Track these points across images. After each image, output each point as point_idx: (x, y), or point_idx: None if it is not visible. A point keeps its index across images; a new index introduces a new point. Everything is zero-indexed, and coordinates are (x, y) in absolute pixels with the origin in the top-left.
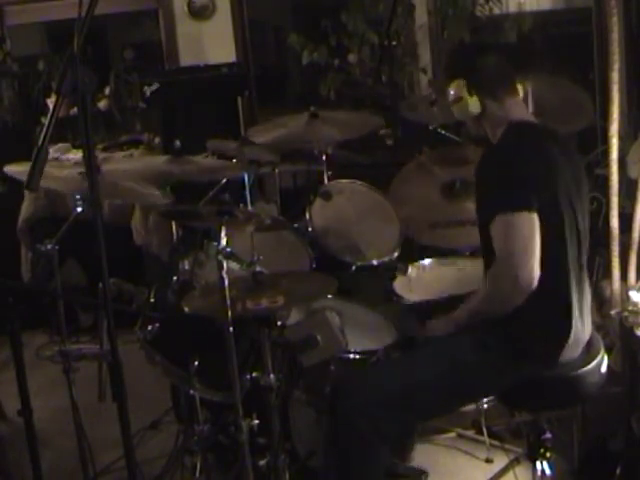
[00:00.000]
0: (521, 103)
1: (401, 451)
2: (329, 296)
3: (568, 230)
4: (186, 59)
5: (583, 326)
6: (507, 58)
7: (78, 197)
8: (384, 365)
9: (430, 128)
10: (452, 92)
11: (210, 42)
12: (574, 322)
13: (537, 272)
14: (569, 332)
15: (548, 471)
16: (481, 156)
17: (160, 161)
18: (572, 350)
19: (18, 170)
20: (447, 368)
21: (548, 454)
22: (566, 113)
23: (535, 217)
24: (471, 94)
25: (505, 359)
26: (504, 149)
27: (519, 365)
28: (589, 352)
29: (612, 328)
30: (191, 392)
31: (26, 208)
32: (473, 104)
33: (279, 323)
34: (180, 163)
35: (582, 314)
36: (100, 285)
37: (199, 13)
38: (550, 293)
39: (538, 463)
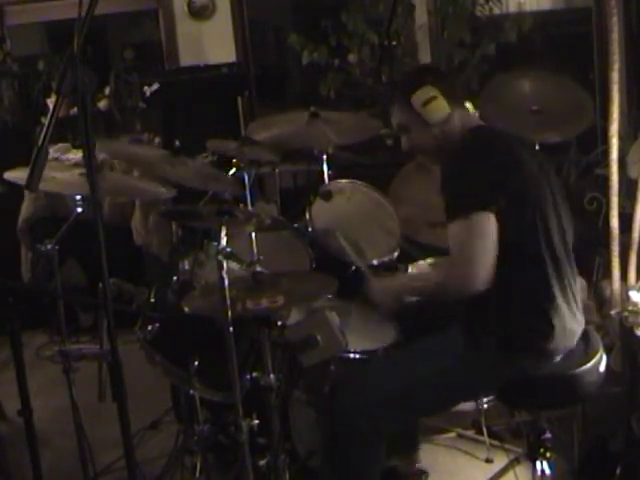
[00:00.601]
0: (473, 112)
1: (405, 452)
2: (329, 296)
3: (540, 223)
4: (186, 59)
5: (573, 316)
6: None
7: (78, 197)
8: (383, 365)
9: None
10: (419, 97)
11: (210, 42)
12: (557, 312)
13: (490, 270)
14: (552, 322)
15: (548, 471)
16: (444, 161)
17: (158, 155)
18: (566, 340)
19: (18, 175)
20: (445, 366)
21: (548, 454)
22: (567, 113)
23: (488, 218)
24: (443, 95)
25: (498, 354)
26: (463, 151)
27: (512, 359)
28: (587, 350)
29: (612, 328)
30: (191, 392)
31: (26, 208)
32: (446, 104)
33: (279, 323)
34: (175, 164)
35: (568, 304)
36: (100, 285)
37: (199, 13)
38: (529, 286)
39: (538, 463)
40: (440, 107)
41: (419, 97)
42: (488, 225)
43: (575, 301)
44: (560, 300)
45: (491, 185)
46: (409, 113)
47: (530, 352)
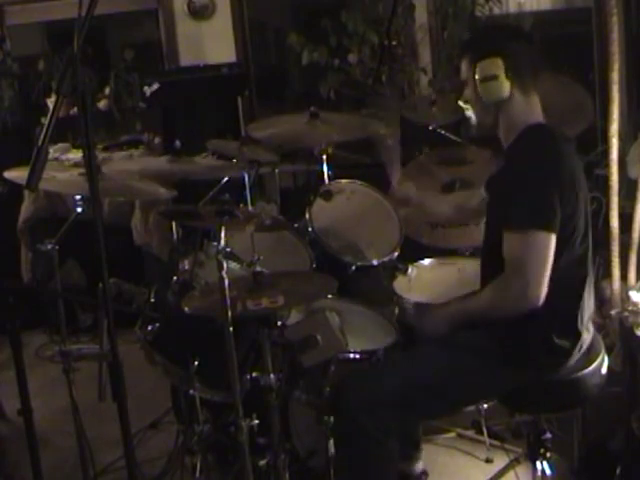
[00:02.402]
0: (539, 103)
1: (406, 452)
2: (329, 296)
3: (581, 240)
4: (186, 59)
5: (588, 334)
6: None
7: (78, 197)
8: (385, 365)
9: (430, 128)
10: (483, 69)
11: (210, 42)
12: (582, 330)
13: (545, 291)
14: (575, 345)
15: (548, 471)
16: (512, 149)
17: (160, 161)
18: (574, 357)
19: (18, 175)
20: (447, 371)
21: (548, 454)
22: (567, 113)
23: (553, 237)
24: (507, 76)
25: (507, 365)
26: (534, 157)
27: (521, 372)
28: (590, 354)
29: (612, 328)
30: (191, 392)
31: (26, 208)
32: (506, 87)
33: (279, 323)
34: (180, 163)
35: (584, 321)
36: (100, 285)
37: (199, 13)
38: (558, 305)
39: (538, 463)
40: (498, 89)
41: (482, 68)
42: (549, 244)
43: (590, 316)
44: (582, 321)
45: (557, 203)
46: (470, 78)
47: (543, 369)
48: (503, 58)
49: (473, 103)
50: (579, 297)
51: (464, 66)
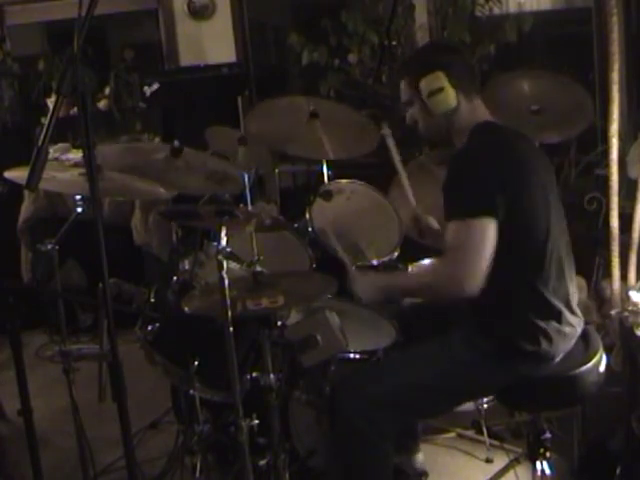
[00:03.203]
0: (483, 104)
1: (406, 452)
2: (329, 296)
3: (544, 225)
4: (186, 59)
5: (573, 317)
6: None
7: (78, 197)
8: (382, 366)
9: None
10: (428, 84)
11: (210, 42)
12: (558, 315)
13: (481, 277)
14: (552, 326)
15: (548, 471)
16: (451, 158)
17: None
18: (565, 342)
19: (18, 175)
20: (445, 368)
21: (548, 454)
22: (567, 113)
23: (490, 223)
24: (451, 85)
25: (498, 359)
26: (471, 150)
27: (512, 363)
28: (587, 351)
29: (612, 328)
30: (191, 392)
31: (26, 208)
32: (452, 96)
33: (279, 323)
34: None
35: (569, 306)
36: (100, 285)
37: (199, 13)
38: (530, 290)
39: (538, 463)
40: (446, 100)
41: (427, 84)
42: (487, 231)
43: (574, 301)
44: (561, 303)
45: (496, 189)
46: (415, 95)
47: (530, 356)
48: (443, 70)
49: (422, 120)
50: (556, 279)
51: (405, 87)
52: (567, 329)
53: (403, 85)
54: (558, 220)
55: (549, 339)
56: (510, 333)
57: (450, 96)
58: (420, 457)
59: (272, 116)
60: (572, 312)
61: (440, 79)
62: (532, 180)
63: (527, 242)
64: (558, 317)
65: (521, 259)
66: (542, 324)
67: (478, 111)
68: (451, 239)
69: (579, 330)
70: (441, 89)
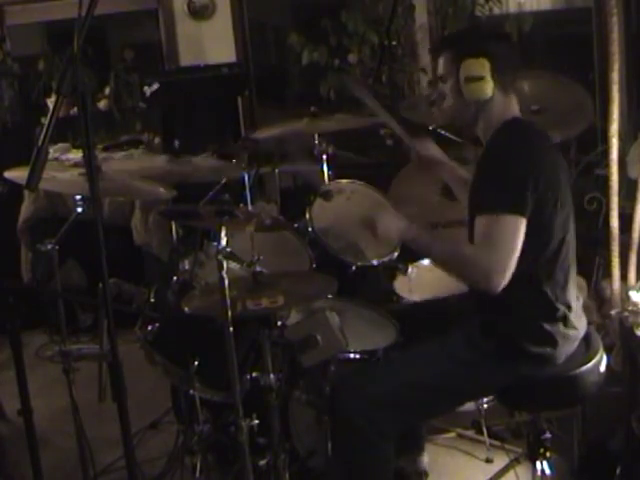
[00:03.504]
0: (516, 100)
1: (408, 453)
2: (329, 296)
3: (562, 229)
4: (186, 59)
5: (579, 321)
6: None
7: (78, 197)
8: (382, 366)
9: (430, 128)
10: (469, 69)
11: (210, 42)
12: (564, 319)
13: (509, 274)
14: (558, 329)
15: (548, 471)
16: (483, 150)
17: (160, 161)
18: (568, 346)
19: (18, 175)
20: (445, 368)
21: (548, 454)
22: (567, 113)
23: (522, 221)
24: (492, 77)
25: (498, 359)
26: (506, 146)
27: (514, 365)
28: (588, 351)
29: (612, 328)
30: (191, 392)
31: (26, 208)
32: (490, 88)
33: (279, 323)
34: (179, 164)
35: (576, 310)
36: (100, 285)
37: (199, 13)
38: (542, 293)
39: (538, 463)
40: (482, 89)
41: (467, 69)
42: (518, 228)
43: (578, 304)
44: (566, 306)
45: (529, 188)
46: (451, 75)
47: (533, 358)
48: (489, 59)
49: (451, 99)
50: (564, 284)
51: (445, 62)
52: (571, 332)
53: (442, 59)
54: (572, 224)
55: (554, 342)
56: (513, 333)
57: (487, 87)
58: (424, 460)
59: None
60: (576, 315)
61: (483, 67)
62: (561, 183)
63: (544, 244)
64: (563, 320)
65: (534, 260)
66: (547, 327)
67: (511, 106)
68: (482, 233)
69: (582, 333)
70: (481, 78)
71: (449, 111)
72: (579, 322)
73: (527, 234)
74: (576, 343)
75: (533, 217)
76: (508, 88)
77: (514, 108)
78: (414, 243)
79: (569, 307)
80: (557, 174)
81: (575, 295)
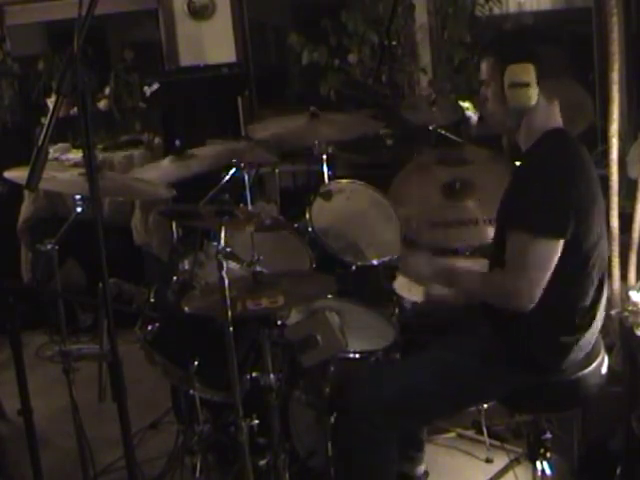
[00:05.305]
0: (558, 108)
1: (410, 454)
2: (329, 296)
3: (597, 246)
4: (186, 59)
5: (592, 334)
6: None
7: (78, 197)
8: (383, 371)
9: (430, 128)
10: (514, 74)
11: (210, 42)
12: (584, 330)
13: (538, 295)
14: (575, 343)
15: (548, 471)
16: (525, 157)
17: (164, 164)
18: (576, 355)
19: (18, 175)
20: (447, 374)
21: (548, 454)
22: (567, 113)
23: (559, 245)
24: (538, 84)
25: (507, 367)
26: (550, 162)
27: (522, 373)
28: (590, 354)
29: (612, 328)
30: (191, 392)
31: (26, 208)
32: (535, 95)
33: (279, 323)
34: (183, 159)
35: (597, 323)
36: (100, 285)
37: (199, 13)
38: (560, 306)
39: (538, 463)
40: (526, 96)
41: (512, 74)
42: (554, 252)
43: (601, 317)
44: (592, 321)
45: (571, 211)
46: (495, 78)
47: (540, 366)
48: (535, 64)
49: (493, 105)
50: (582, 296)
51: (488, 66)
52: (582, 342)
53: (485, 64)
54: (604, 238)
55: (565, 352)
56: (525, 340)
57: (532, 94)
58: (423, 467)
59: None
60: (596, 327)
61: (529, 73)
62: (598, 200)
63: (580, 262)
64: (584, 333)
65: (564, 275)
66: (563, 338)
67: (553, 115)
68: (516, 251)
69: (594, 338)
70: (526, 84)
71: (490, 117)
72: (595, 332)
73: (563, 253)
74: (586, 351)
75: (571, 236)
76: (553, 95)
77: (557, 117)
78: (442, 276)
79: (593, 320)
80: (595, 189)
81: (602, 304)
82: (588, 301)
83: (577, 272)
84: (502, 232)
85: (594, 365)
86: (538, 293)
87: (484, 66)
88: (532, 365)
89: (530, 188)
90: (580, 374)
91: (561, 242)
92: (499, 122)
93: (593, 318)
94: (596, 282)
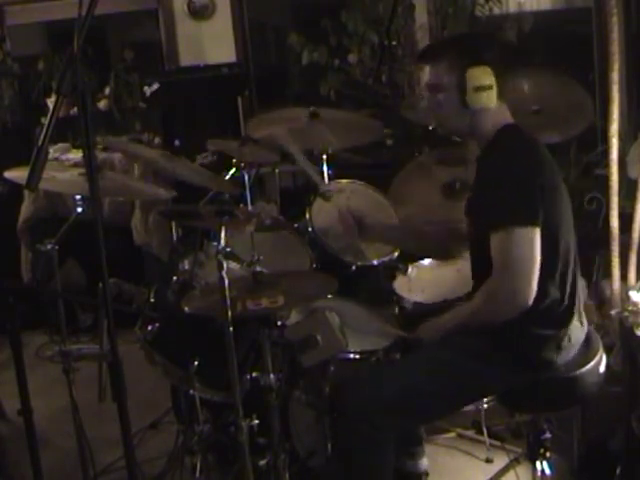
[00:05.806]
0: (506, 105)
1: (410, 450)
2: (329, 296)
3: (565, 234)
4: (186, 59)
5: (581, 326)
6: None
7: (78, 197)
8: (383, 370)
9: (430, 128)
10: (477, 77)
11: (210, 42)
12: (570, 326)
13: (535, 289)
14: (565, 336)
15: (548, 471)
16: (482, 157)
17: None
18: (569, 351)
19: (18, 175)
20: (446, 373)
21: (548, 454)
22: (567, 113)
23: (538, 232)
24: (497, 84)
25: (503, 366)
26: (508, 155)
27: (517, 371)
28: (587, 352)
29: (612, 328)
30: (191, 392)
31: (26, 208)
32: (495, 96)
33: (279, 323)
34: (171, 161)
35: (579, 315)
36: (100, 285)
37: (199, 13)
38: (546, 300)
39: (538, 463)
40: (489, 98)
41: (476, 77)
42: (535, 240)
43: (582, 309)
44: (572, 312)
45: (537, 197)
46: (453, 83)
47: (535, 363)
48: (491, 66)
49: (449, 110)
50: (570, 287)
51: (442, 70)
52: (574, 337)
53: (440, 67)
54: (572, 228)
55: (558, 348)
56: (517, 340)
57: (494, 95)
58: (424, 461)
59: (272, 122)
60: (581, 319)
61: (489, 75)
62: (561, 187)
63: (548, 250)
64: (571, 327)
65: (545, 267)
66: (551, 332)
67: (505, 112)
68: (499, 250)
69: (584, 335)
70: (490, 87)
71: (445, 121)
72: (582, 325)
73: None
74: (578, 346)
75: (543, 225)
76: (502, 93)
77: (507, 114)
78: (447, 330)
79: (574, 311)
80: (556, 175)
81: (580, 297)
82: (564, 293)
83: (552, 264)
84: (476, 230)
85: (592, 364)
86: (533, 287)
87: (438, 70)
88: (526, 362)
89: (497, 184)
90: (577, 372)
91: (537, 230)
92: (452, 125)
93: (571, 310)
94: (570, 273)
